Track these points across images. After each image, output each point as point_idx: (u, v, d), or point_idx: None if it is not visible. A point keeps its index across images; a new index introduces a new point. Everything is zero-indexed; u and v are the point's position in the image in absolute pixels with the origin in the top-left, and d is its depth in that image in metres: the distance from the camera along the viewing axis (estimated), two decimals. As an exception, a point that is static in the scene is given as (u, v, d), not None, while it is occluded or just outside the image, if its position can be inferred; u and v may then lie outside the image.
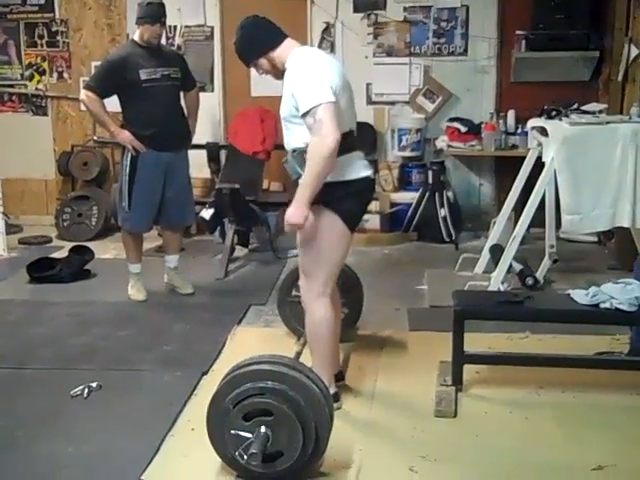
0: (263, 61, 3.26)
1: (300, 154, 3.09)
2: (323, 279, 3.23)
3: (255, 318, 4.67)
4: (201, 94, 5.26)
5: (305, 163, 3.02)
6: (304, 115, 2.98)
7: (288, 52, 3.20)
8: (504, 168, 6.56)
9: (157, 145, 4.74)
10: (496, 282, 4.78)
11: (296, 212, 3.00)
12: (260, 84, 6.68)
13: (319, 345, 3.30)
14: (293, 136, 3.15)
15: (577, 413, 3.30)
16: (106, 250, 6.27)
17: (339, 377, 3.52)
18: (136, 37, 4.76)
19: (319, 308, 3.24)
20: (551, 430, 3.16)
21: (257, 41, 3.26)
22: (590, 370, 3.54)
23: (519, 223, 4.81)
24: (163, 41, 4.88)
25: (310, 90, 2.98)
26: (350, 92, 3.27)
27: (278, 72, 3.26)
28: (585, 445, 3.03)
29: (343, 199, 3.14)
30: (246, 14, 6.71)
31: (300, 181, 3.05)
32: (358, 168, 3.20)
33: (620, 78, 6.11)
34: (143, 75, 4.65)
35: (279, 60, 3.22)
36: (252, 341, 4.24)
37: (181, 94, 4.98)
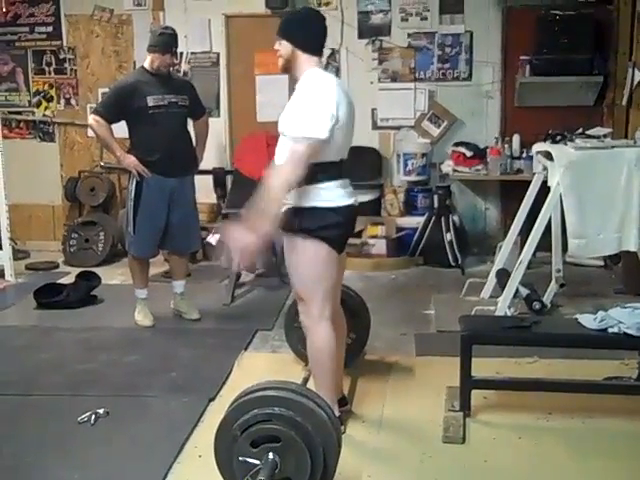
0: (288, 47, 3.21)
1: None
2: (319, 302, 3.23)
3: (262, 343, 4.66)
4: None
5: None
6: (292, 138, 3.03)
7: (307, 67, 3.20)
8: (510, 192, 6.57)
9: (161, 171, 4.77)
10: (503, 307, 4.76)
11: (245, 236, 2.97)
12: (266, 109, 6.76)
13: (321, 369, 3.29)
14: (285, 154, 3.16)
15: (587, 439, 3.28)
16: (113, 276, 6.28)
17: (343, 402, 3.50)
18: (146, 64, 4.81)
19: (320, 331, 3.24)
20: (561, 456, 3.13)
21: (301, 30, 3.22)
22: (599, 395, 3.52)
23: (525, 247, 4.81)
24: (169, 67, 4.92)
25: (309, 119, 3.01)
26: (352, 123, 3.29)
27: (287, 67, 3.25)
28: (595, 471, 3.01)
29: (326, 227, 3.14)
30: (252, 40, 6.85)
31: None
32: (342, 195, 3.21)
33: (624, 102, 6.13)
34: (150, 101, 4.69)
35: (297, 63, 3.22)
36: (259, 367, 4.23)
37: (189, 121, 5.02)
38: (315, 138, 2.99)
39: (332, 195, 3.17)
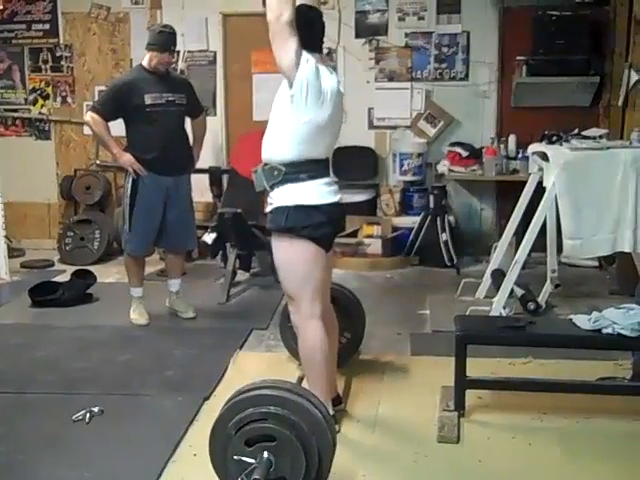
0: None
1: (271, 169, 3.16)
2: (308, 299, 3.24)
3: (257, 342, 4.66)
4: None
5: (272, 179, 3.14)
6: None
7: None
8: (505, 193, 6.58)
9: (157, 169, 4.77)
10: (498, 307, 4.77)
11: None
12: (262, 109, 6.74)
13: (313, 368, 3.30)
14: (272, 145, 3.19)
15: (581, 439, 3.29)
16: (108, 274, 6.28)
17: (337, 401, 3.51)
18: (144, 62, 4.81)
19: (311, 330, 3.25)
20: (555, 456, 3.14)
21: (299, 30, 3.15)
22: (593, 396, 3.53)
23: (520, 248, 4.81)
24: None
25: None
26: (339, 122, 3.32)
27: None
28: (589, 472, 3.02)
29: (312, 225, 3.14)
30: (249, 39, 6.83)
31: None
32: (327, 193, 3.22)
33: (620, 103, 6.14)
34: (148, 99, 4.69)
35: None
36: (254, 366, 4.23)
37: (187, 120, 5.02)
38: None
39: (317, 193, 3.17)
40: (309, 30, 3.21)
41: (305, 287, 3.23)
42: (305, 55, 3.08)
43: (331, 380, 3.43)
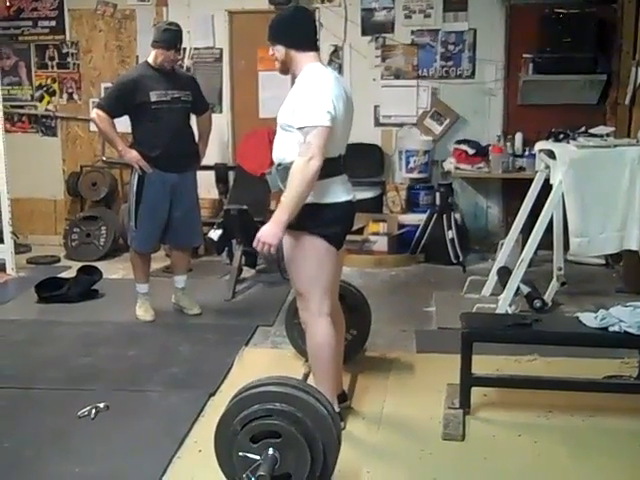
0: (282, 49, 3.25)
1: (284, 169, 3.14)
2: (318, 297, 3.24)
3: (262, 339, 4.67)
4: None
5: (286, 178, 3.09)
6: (298, 129, 3.05)
7: (305, 63, 3.22)
8: (512, 190, 6.57)
9: (163, 166, 4.77)
10: (504, 305, 4.77)
11: (271, 232, 3.04)
12: (268, 106, 6.75)
13: (321, 365, 3.30)
14: (284, 148, 3.19)
15: (586, 437, 3.28)
16: (114, 270, 6.29)
17: (342, 398, 3.51)
18: (150, 59, 4.81)
19: (319, 327, 3.25)
20: (560, 454, 3.14)
21: (289, 31, 3.25)
22: (599, 394, 3.52)
23: (527, 245, 4.81)
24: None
25: (311, 109, 3.03)
26: (350, 119, 3.31)
27: (285, 69, 3.30)
28: (594, 470, 3.01)
29: (324, 223, 3.15)
30: (254, 37, 6.83)
31: (282, 199, 3.07)
32: (341, 192, 3.23)
33: (627, 101, 6.12)
34: (153, 97, 4.69)
35: (294, 63, 3.24)
36: (260, 362, 4.23)
37: (192, 117, 5.02)
38: (320, 126, 3.00)
39: (330, 191, 3.18)
40: (300, 30, 3.26)
41: (315, 284, 3.23)
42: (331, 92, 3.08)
43: (337, 377, 3.44)
